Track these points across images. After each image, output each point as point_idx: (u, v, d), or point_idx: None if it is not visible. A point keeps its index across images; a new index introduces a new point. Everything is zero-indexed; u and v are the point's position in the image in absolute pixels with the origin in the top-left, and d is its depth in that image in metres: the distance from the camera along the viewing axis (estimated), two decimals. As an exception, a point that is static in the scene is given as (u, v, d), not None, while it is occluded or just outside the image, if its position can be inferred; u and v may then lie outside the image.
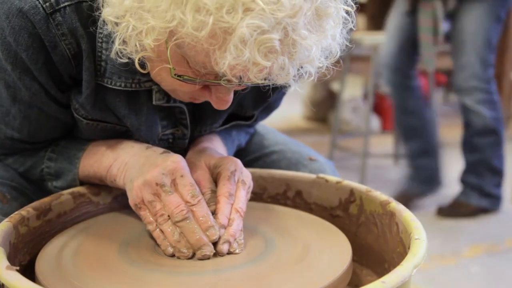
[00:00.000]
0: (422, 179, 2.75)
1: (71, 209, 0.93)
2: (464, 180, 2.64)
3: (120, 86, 0.86)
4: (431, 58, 2.63)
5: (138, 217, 0.84)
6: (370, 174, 3.08)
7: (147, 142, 0.93)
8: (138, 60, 0.76)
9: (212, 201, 0.83)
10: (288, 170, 1.06)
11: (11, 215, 0.82)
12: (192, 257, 0.79)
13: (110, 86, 0.86)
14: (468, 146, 2.60)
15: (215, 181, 0.87)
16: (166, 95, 0.90)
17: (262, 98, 0.99)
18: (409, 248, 0.74)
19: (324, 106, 4.22)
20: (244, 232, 0.83)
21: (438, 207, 2.65)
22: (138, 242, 0.83)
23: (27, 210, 0.85)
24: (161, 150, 0.88)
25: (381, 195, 0.90)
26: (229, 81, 0.72)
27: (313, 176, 1.01)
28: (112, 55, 0.77)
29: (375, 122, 3.96)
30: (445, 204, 2.66)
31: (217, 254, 0.79)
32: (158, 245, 0.81)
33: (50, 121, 0.91)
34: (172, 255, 0.79)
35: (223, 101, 0.79)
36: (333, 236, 0.86)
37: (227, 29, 0.66)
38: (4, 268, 0.67)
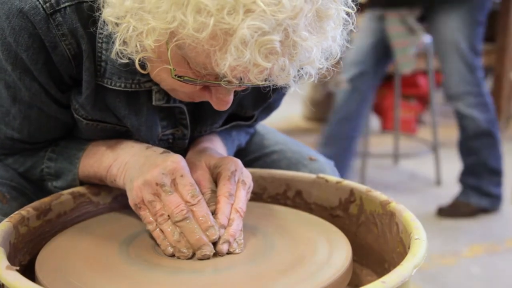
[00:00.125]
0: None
1: (71, 209, 0.93)
2: (463, 181, 2.65)
3: (120, 86, 0.86)
4: (408, 61, 2.66)
5: (138, 217, 0.84)
6: (370, 174, 3.08)
7: (147, 142, 0.93)
8: (139, 60, 0.76)
9: (212, 201, 0.83)
10: (288, 170, 1.06)
11: (11, 215, 0.82)
12: (192, 257, 0.79)
13: (110, 87, 0.86)
14: (465, 149, 2.63)
15: (215, 181, 0.87)
16: (166, 96, 0.90)
17: (262, 98, 0.99)
18: (409, 248, 0.74)
19: (324, 106, 4.21)
20: (244, 232, 0.83)
21: (438, 207, 2.65)
22: (138, 242, 0.83)
23: (27, 210, 0.85)
24: (161, 150, 0.88)
25: (381, 195, 0.90)
26: (229, 82, 0.72)
27: (313, 176, 1.01)
28: (113, 55, 0.77)
29: (375, 122, 3.96)
30: (445, 204, 2.66)
31: (217, 254, 0.79)
32: (158, 245, 0.81)
33: (50, 121, 0.91)
34: (172, 255, 0.79)
35: (223, 102, 0.79)
36: (333, 236, 0.86)
37: (228, 30, 0.66)
38: (4, 268, 0.67)
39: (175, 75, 0.75)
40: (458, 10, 2.46)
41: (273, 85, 0.74)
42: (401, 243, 0.83)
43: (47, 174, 0.96)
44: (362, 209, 0.93)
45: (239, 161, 0.88)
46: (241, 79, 0.71)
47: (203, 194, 0.83)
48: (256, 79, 0.70)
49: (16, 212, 0.84)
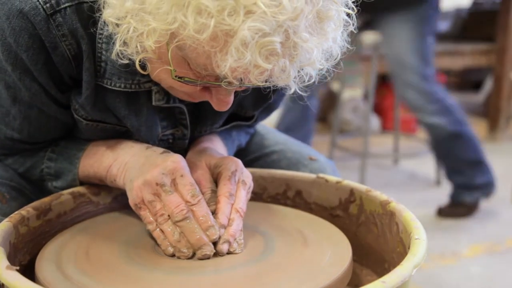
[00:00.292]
0: None
1: (71, 209, 0.93)
2: (451, 180, 2.64)
3: (119, 87, 0.86)
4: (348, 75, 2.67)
5: (138, 217, 0.84)
6: (370, 174, 3.08)
7: (147, 142, 0.93)
8: (139, 61, 0.76)
9: (212, 201, 0.83)
10: (288, 170, 1.06)
11: (11, 215, 0.82)
12: (192, 257, 0.79)
13: (110, 87, 0.86)
14: (439, 153, 2.63)
15: (216, 181, 0.87)
16: (166, 96, 0.90)
17: (263, 99, 0.99)
18: (409, 248, 0.74)
19: (324, 106, 4.21)
20: (244, 232, 0.83)
21: (438, 207, 2.65)
22: (138, 242, 0.83)
23: (27, 210, 0.85)
24: (161, 150, 0.88)
25: (381, 195, 0.90)
26: (230, 83, 0.72)
27: (313, 176, 1.01)
28: (113, 56, 0.77)
29: (375, 122, 3.96)
30: (445, 204, 2.66)
31: (217, 254, 0.79)
32: (158, 245, 0.81)
33: (50, 121, 0.91)
34: (172, 255, 0.79)
35: (224, 103, 0.80)
36: (333, 236, 0.86)
37: (228, 31, 0.66)
38: (4, 268, 0.67)
39: (176, 76, 0.75)
40: (403, 23, 2.48)
41: (273, 86, 0.74)
42: (401, 243, 0.83)
43: (47, 174, 0.96)
44: (362, 209, 0.93)
45: (239, 161, 0.88)
46: (241, 80, 0.71)
47: (203, 194, 0.83)
48: (256, 80, 0.70)
49: (16, 212, 0.84)
